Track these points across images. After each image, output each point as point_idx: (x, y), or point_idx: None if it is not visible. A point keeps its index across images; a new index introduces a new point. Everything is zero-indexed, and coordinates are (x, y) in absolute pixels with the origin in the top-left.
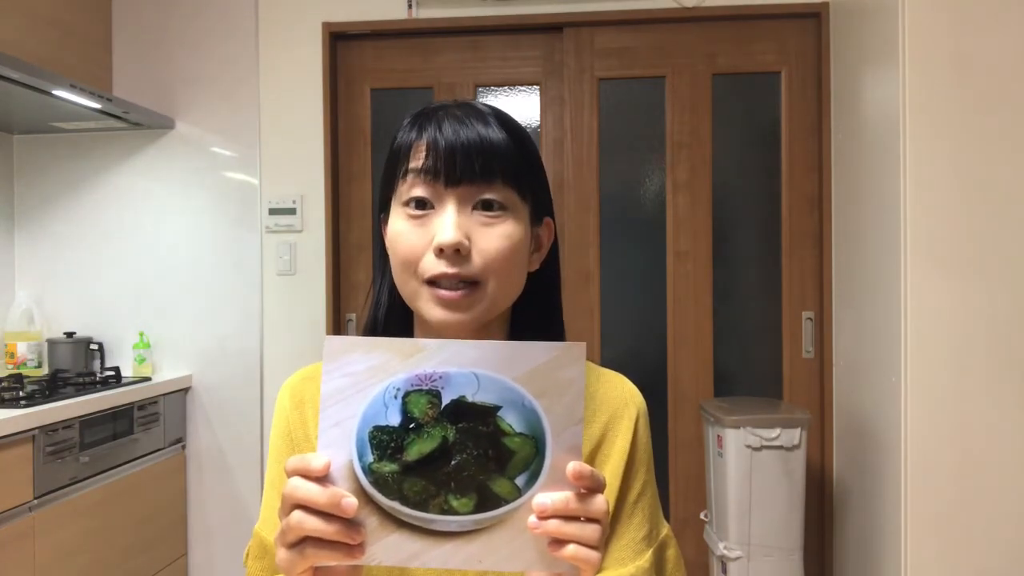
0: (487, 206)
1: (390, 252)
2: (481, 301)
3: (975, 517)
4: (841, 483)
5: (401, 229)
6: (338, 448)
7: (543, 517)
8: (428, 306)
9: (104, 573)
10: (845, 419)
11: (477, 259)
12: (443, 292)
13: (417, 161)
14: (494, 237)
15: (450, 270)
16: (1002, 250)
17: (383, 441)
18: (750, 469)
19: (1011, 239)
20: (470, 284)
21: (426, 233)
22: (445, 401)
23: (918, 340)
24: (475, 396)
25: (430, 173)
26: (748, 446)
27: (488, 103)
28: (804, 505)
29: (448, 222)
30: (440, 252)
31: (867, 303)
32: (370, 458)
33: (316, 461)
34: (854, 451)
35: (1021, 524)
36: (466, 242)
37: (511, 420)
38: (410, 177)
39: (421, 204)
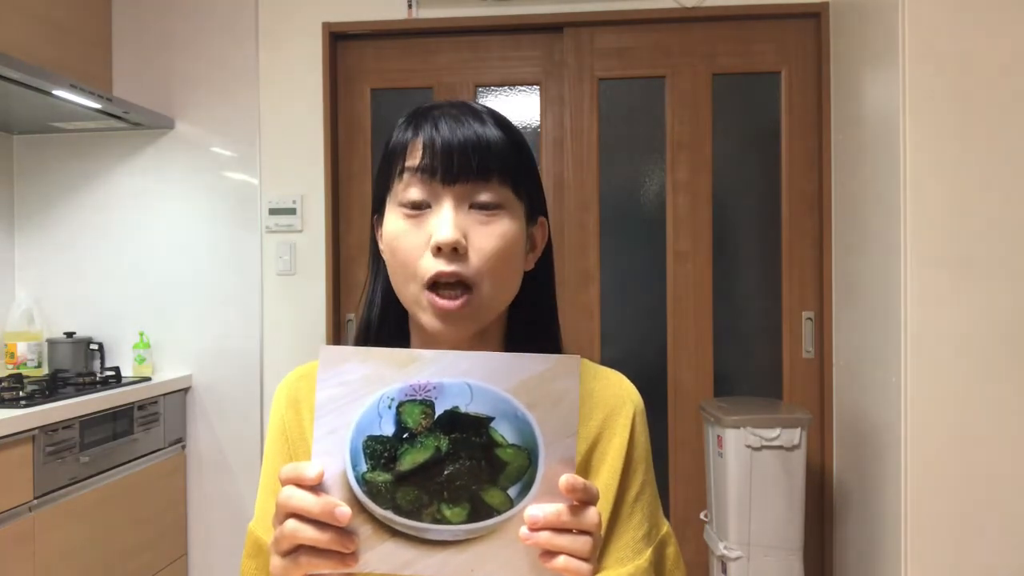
0: (483, 205)
1: (388, 253)
2: (478, 309)
3: (975, 516)
4: (841, 483)
5: (398, 229)
6: (332, 457)
7: (535, 529)
8: (426, 316)
9: (104, 573)
10: (845, 419)
11: (474, 258)
12: (441, 301)
13: (413, 160)
14: (490, 236)
15: (447, 268)
16: (1002, 250)
17: (377, 451)
18: (750, 469)
19: (1011, 239)
20: (466, 287)
21: (423, 233)
22: (439, 411)
23: (918, 340)
24: (468, 407)
25: (427, 172)
26: (748, 446)
27: (483, 104)
28: (804, 505)
29: (445, 221)
30: (438, 251)
31: (867, 303)
32: (364, 467)
33: (310, 470)
34: (854, 451)
35: (1021, 524)
36: (463, 240)
37: (504, 431)
38: (406, 176)
39: (417, 204)
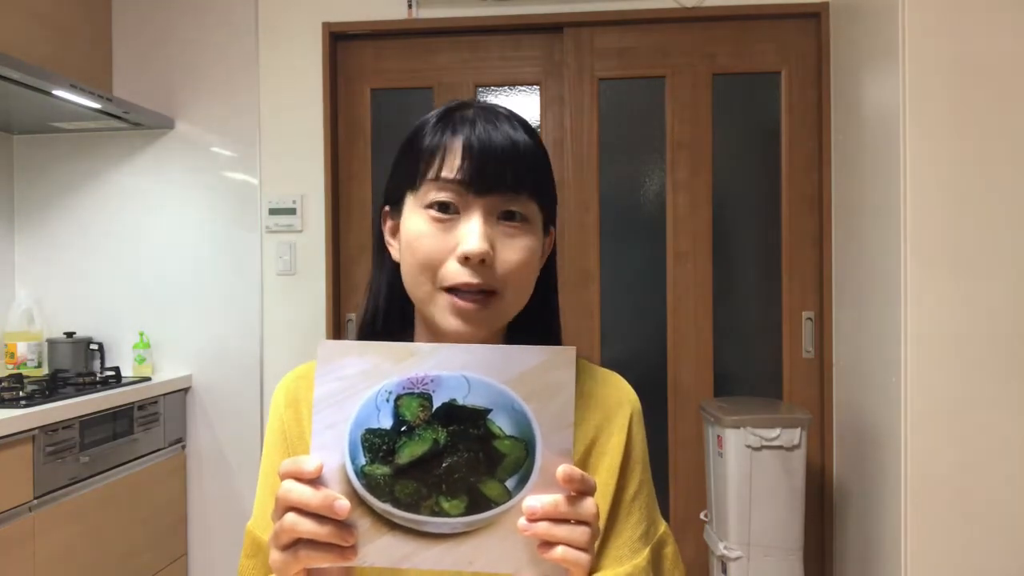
0: (509, 216)
1: (406, 251)
2: (496, 313)
3: (975, 517)
4: (841, 483)
5: (422, 231)
6: (331, 451)
7: (533, 519)
8: (443, 314)
9: (104, 573)
10: (845, 419)
11: (499, 268)
12: (460, 302)
13: (449, 166)
14: (515, 249)
15: (473, 280)
16: (1002, 250)
17: (375, 444)
18: (750, 469)
19: (1011, 239)
20: (487, 293)
21: (450, 239)
22: (436, 404)
23: (918, 340)
24: (466, 399)
25: (461, 180)
26: (748, 446)
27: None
28: (804, 505)
29: (475, 231)
30: (465, 260)
31: (867, 303)
32: (362, 461)
33: (309, 464)
34: (854, 451)
35: (1021, 524)
36: (491, 252)
37: (501, 423)
38: (439, 180)
39: (445, 208)
